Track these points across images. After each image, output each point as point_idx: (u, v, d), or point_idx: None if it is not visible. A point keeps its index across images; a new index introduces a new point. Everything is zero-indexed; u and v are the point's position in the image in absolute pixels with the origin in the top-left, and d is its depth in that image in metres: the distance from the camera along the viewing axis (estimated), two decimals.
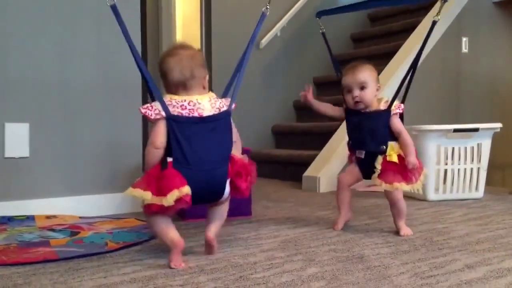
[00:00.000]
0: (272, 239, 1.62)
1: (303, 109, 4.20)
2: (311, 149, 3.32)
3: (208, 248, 1.42)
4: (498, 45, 4.11)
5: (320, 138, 3.28)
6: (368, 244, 1.54)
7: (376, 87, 1.72)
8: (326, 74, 4.22)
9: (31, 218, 1.87)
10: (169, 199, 1.21)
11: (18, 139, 1.94)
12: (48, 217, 1.90)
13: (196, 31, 3.89)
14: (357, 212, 2.08)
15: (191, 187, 1.25)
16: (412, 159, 1.64)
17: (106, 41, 2.13)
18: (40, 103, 1.99)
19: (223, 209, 1.43)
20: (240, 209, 2.01)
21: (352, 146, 1.77)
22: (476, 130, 2.46)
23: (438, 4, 1.86)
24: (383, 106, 1.71)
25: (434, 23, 1.75)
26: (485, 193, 2.54)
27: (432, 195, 2.46)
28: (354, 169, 1.77)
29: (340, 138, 3.03)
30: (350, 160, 1.82)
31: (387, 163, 1.66)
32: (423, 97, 3.47)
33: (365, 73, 1.70)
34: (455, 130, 2.43)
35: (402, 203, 1.71)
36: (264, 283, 1.16)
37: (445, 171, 2.47)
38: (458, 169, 2.48)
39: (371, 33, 4.56)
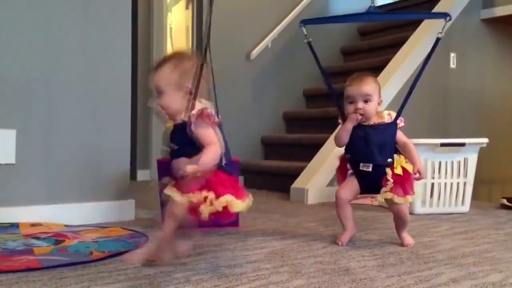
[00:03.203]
0: (259, 250, 1.62)
1: (292, 121, 4.22)
2: (300, 161, 3.33)
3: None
4: (486, 61, 4.18)
5: (309, 150, 3.29)
6: (355, 257, 1.54)
7: (379, 101, 1.71)
8: (316, 86, 4.25)
9: (15, 225, 1.84)
10: None
11: (5, 146, 1.92)
12: (32, 224, 1.88)
13: (188, 42, 3.91)
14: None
15: None
16: (421, 167, 1.68)
17: (93, 45, 2.12)
18: (27, 110, 1.98)
19: None
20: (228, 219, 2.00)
21: (356, 159, 1.72)
22: (462, 144, 2.48)
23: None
24: (387, 119, 1.71)
25: (438, 40, 1.76)
26: (471, 207, 2.56)
27: (418, 209, 2.47)
28: (353, 183, 1.73)
29: (329, 150, 3.04)
30: (341, 175, 1.78)
31: (396, 176, 1.66)
32: (411, 111, 3.50)
33: (371, 86, 1.68)
34: (442, 145, 2.46)
35: (408, 215, 1.73)
36: None
37: (432, 185, 2.49)
38: (445, 183, 2.50)
39: (361, 47, 4.61)
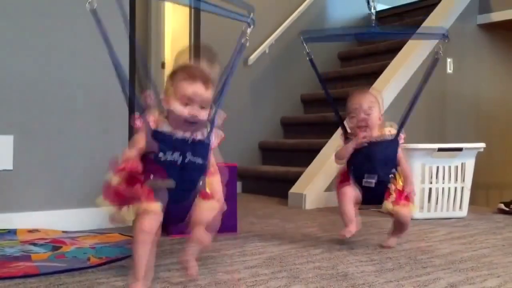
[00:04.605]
0: (257, 256, 1.62)
1: (290, 126, 4.22)
2: (298, 166, 3.33)
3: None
4: (482, 66, 4.19)
5: (307, 155, 3.29)
6: (353, 262, 1.54)
7: (379, 115, 1.75)
8: (313, 92, 4.26)
9: (13, 232, 1.84)
10: None
11: (2, 152, 1.92)
12: (30, 231, 1.87)
13: (185, 46, 3.91)
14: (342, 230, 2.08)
15: None
16: (411, 188, 1.73)
17: (92, 53, 2.12)
18: (25, 116, 1.98)
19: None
20: (226, 225, 1.99)
21: (359, 174, 1.73)
22: (460, 149, 2.49)
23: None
24: (388, 135, 1.75)
25: (436, 60, 1.79)
26: (468, 212, 2.56)
27: (416, 214, 2.46)
28: (356, 191, 1.74)
29: (327, 156, 3.04)
30: (343, 183, 1.78)
31: (398, 190, 1.71)
32: (409, 116, 3.51)
33: (370, 99, 1.74)
34: (440, 150, 2.46)
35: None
36: None
37: (430, 189, 2.49)
38: (443, 188, 2.51)
39: (358, 52, 4.62)
